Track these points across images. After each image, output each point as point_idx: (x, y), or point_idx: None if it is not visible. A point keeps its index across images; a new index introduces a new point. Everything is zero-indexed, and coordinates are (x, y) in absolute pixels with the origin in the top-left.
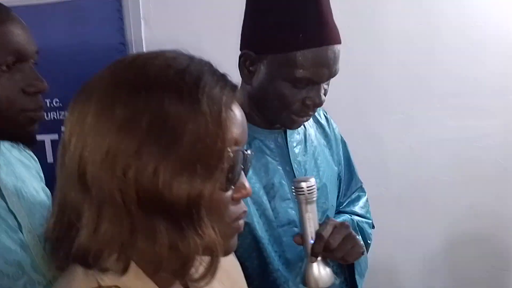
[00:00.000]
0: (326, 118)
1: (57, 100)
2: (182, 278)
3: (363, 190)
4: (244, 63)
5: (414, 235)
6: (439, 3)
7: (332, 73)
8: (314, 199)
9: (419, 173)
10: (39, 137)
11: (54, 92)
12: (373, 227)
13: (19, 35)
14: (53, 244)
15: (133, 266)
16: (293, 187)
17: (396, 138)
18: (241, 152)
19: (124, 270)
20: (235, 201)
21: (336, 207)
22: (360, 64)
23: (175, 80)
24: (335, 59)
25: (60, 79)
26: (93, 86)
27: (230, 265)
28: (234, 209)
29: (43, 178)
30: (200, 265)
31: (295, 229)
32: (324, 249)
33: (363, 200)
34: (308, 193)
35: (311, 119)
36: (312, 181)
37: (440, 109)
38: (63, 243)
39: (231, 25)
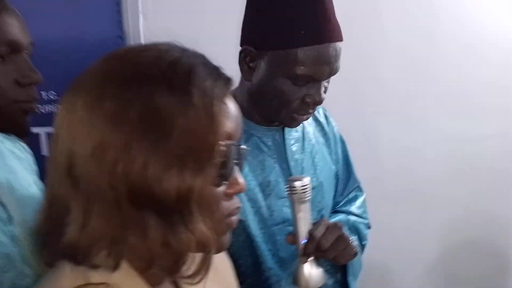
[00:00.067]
0: (325, 116)
1: (53, 93)
2: (174, 275)
3: (360, 190)
4: (244, 59)
5: (409, 234)
6: (438, 2)
7: (333, 71)
8: (308, 198)
9: (415, 173)
10: (34, 130)
11: (50, 85)
12: (369, 227)
13: (14, 25)
14: (42, 239)
15: (124, 263)
16: (286, 186)
17: (393, 137)
18: (234, 147)
19: (115, 267)
20: (228, 196)
21: (333, 206)
22: (357, 63)
23: (166, 72)
24: (336, 57)
25: (57, 72)
26: (84, 80)
27: (219, 262)
28: (227, 205)
29: (37, 171)
30: (192, 262)
31: (290, 227)
32: (316, 249)
33: (360, 200)
34: (301, 193)
35: None
36: (306, 180)
37: (437, 108)
38: (52, 239)
39: (230, 19)
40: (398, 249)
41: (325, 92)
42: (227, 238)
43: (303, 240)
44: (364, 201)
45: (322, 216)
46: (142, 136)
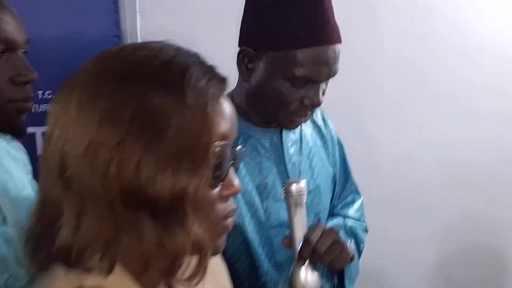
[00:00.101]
0: (323, 118)
1: (50, 92)
2: (170, 278)
3: (358, 193)
4: (243, 60)
5: (405, 238)
6: (436, 5)
7: (331, 73)
8: (304, 202)
9: (411, 176)
10: (30, 130)
11: (47, 84)
12: (366, 231)
13: (9, 23)
14: (34, 242)
15: (118, 265)
16: (283, 189)
17: (389, 140)
18: (229, 147)
19: (110, 270)
20: (224, 198)
21: (330, 209)
22: (354, 65)
23: (160, 71)
24: (335, 58)
25: (54, 71)
26: (77, 79)
27: (214, 264)
28: (222, 206)
29: (32, 171)
30: (187, 266)
31: (287, 231)
32: (312, 254)
33: (358, 203)
34: (298, 196)
35: None
36: (302, 183)
37: (433, 112)
38: (44, 241)
39: (228, 19)
40: (394, 253)
41: (323, 94)
42: (222, 240)
43: (299, 244)
44: (361, 204)
45: (319, 219)
46: (135, 136)
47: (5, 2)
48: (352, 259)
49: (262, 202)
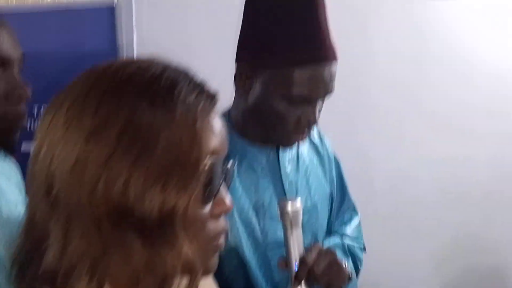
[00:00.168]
0: (320, 135)
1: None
2: None
3: (355, 211)
4: (240, 78)
5: (401, 255)
6: (429, 24)
7: (328, 90)
8: (300, 222)
9: (407, 193)
10: (26, 146)
11: (44, 98)
12: (364, 249)
13: (4, 40)
14: (21, 264)
15: (106, 287)
16: (278, 209)
17: (384, 158)
18: (220, 164)
19: None
20: (215, 216)
21: (328, 227)
22: (350, 84)
23: (149, 86)
24: (331, 76)
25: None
26: (65, 95)
27: (205, 285)
28: (214, 225)
29: (25, 189)
30: (177, 287)
31: (284, 250)
32: (308, 275)
33: (355, 221)
34: (293, 216)
35: None
36: (298, 203)
37: (428, 130)
38: (30, 264)
39: (224, 35)
40: (390, 272)
41: (319, 112)
42: (214, 260)
43: (295, 266)
44: (359, 223)
45: (316, 238)
46: (123, 153)
47: (1, 19)
48: (349, 279)
49: (259, 221)
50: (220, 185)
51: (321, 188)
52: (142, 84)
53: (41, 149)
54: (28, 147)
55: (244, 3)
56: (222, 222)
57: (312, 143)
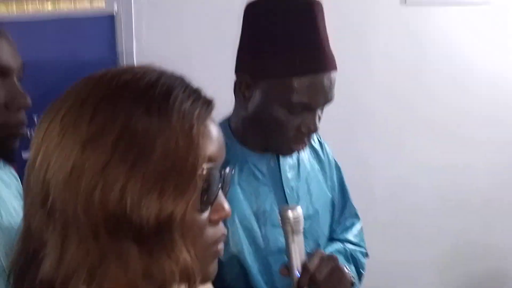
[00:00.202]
0: (320, 142)
1: None
2: None
3: (357, 217)
4: (240, 87)
5: (401, 262)
6: (427, 32)
7: (328, 99)
8: (301, 229)
9: (406, 201)
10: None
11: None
12: (367, 255)
13: (4, 50)
14: (18, 274)
15: None
16: (279, 217)
17: (384, 165)
18: (217, 170)
19: None
20: (213, 223)
21: (329, 234)
22: (349, 91)
23: (144, 93)
24: (331, 85)
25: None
26: (60, 103)
27: None
28: (212, 231)
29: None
30: None
31: (286, 257)
32: (310, 282)
33: (357, 227)
34: (294, 223)
35: None
36: (299, 211)
37: (427, 137)
38: (28, 274)
39: (223, 44)
40: (390, 279)
41: (319, 120)
42: (213, 267)
43: (296, 273)
44: (361, 229)
45: (318, 245)
46: (119, 160)
47: (0, 28)
48: (352, 285)
49: (260, 228)
50: (218, 191)
51: (323, 194)
52: (138, 91)
53: (36, 157)
54: (28, 155)
55: (243, 11)
56: (220, 228)
57: (313, 149)
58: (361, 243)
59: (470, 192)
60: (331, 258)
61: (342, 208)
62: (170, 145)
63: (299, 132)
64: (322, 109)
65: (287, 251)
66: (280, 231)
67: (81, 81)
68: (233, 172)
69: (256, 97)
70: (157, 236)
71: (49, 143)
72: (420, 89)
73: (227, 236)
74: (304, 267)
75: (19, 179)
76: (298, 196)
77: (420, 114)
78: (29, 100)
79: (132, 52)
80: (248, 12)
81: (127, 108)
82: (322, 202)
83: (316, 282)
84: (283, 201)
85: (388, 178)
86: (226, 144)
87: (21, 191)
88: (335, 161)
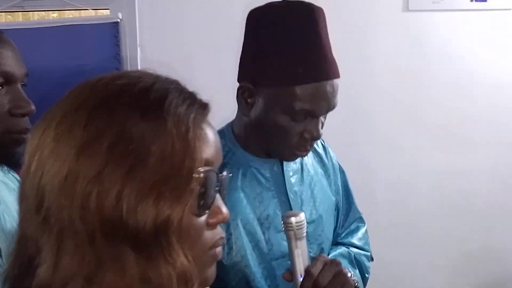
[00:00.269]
0: (324, 146)
1: None
2: None
3: (362, 221)
4: (242, 95)
5: (403, 267)
6: (429, 38)
7: (331, 107)
8: (304, 235)
9: (407, 204)
10: None
11: None
12: (372, 259)
13: (9, 57)
14: (12, 281)
15: None
16: (282, 222)
17: (385, 168)
18: (214, 173)
19: None
20: (211, 226)
21: (334, 237)
22: (351, 95)
23: (139, 98)
24: (333, 93)
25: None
26: (55, 110)
27: None
28: (210, 235)
29: None
30: None
31: (289, 262)
32: (313, 287)
33: (362, 231)
34: (297, 229)
35: None
36: (302, 216)
37: (429, 140)
38: (23, 281)
39: (226, 50)
40: (391, 282)
41: (322, 127)
42: (211, 271)
43: (300, 278)
44: (366, 232)
45: (322, 250)
46: (115, 166)
47: (5, 37)
48: None
49: (263, 233)
50: (215, 195)
51: (326, 198)
52: (133, 96)
53: (31, 163)
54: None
55: (246, 18)
56: (218, 231)
57: (316, 153)
58: (366, 247)
59: (472, 195)
60: (334, 263)
61: (346, 212)
62: (166, 149)
63: (302, 139)
64: (325, 116)
65: (290, 256)
66: (284, 235)
67: (75, 87)
68: (233, 175)
69: (259, 104)
70: (154, 241)
71: (44, 150)
72: (422, 93)
73: (231, 241)
74: (307, 272)
75: None
76: (301, 200)
77: (421, 118)
78: (33, 107)
79: (136, 58)
80: (251, 19)
81: (122, 113)
82: (326, 206)
83: (319, 287)
84: (287, 206)
85: (390, 181)
86: (230, 149)
87: None
88: (339, 165)
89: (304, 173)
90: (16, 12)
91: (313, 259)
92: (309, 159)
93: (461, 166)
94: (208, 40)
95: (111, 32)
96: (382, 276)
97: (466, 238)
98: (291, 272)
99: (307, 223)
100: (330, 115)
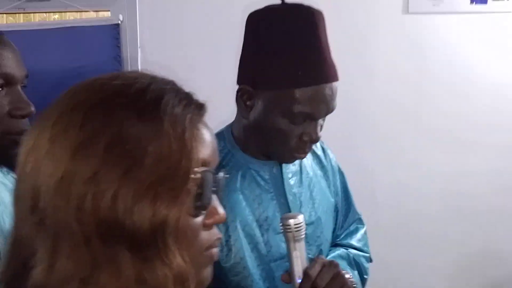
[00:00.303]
0: (323, 148)
1: None
2: None
3: (361, 222)
4: (242, 97)
5: (403, 270)
6: (428, 39)
7: (330, 109)
8: (302, 237)
9: (407, 205)
10: None
11: None
12: (371, 260)
13: (9, 59)
14: (7, 283)
15: None
16: (280, 224)
17: (385, 170)
18: (210, 174)
19: None
20: (208, 227)
21: (333, 239)
22: (351, 98)
23: (135, 99)
24: (332, 96)
25: None
26: (51, 110)
27: None
28: (206, 236)
29: None
30: None
31: (288, 264)
32: None
33: (361, 232)
34: (296, 231)
35: None
36: (300, 218)
37: (429, 143)
38: (18, 283)
39: (226, 52)
40: (391, 284)
41: (321, 129)
42: (208, 272)
43: (298, 280)
44: (365, 234)
45: (321, 251)
46: (111, 166)
47: (6, 38)
48: None
49: (262, 235)
50: (212, 195)
51: (325, 200)
52: (129, 97)
53: (26, 166)
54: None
55: (245, 21)
56: (215, 232)
57: (315, 155)
58: (365, 248)
59: (472, 197)
60: (333, 265)
61: (345, 214)
62: (163, 149)
63: (300, 141)
64: (324, 118)
65: (288, 258)
66: (282, 237)
67: (71, 88)
68: (232, 177)
69: (258, 106)
70: (150, 242)
71: (39, 151)
72: (422, 95)
73: (229, 243)
74: (306, 274)
75: None
76: (300, 202)
77: (421, 120)
78: (33, 108)
79: (137, 60)
80: (250, 22)
81: (118, 114)
82: (325, 208)
83: None
84: (286, 208)
85: (390, 183)
86: (229, 151)
87: None
88: (338, 166)
89: (303, 175)
90: (17, 14)
91: (311, 261)
92: (308, 160)
93: (460, 168)
94: (209, 41)
95: (112, 34)
96: (381, 277)
97: (466, 239)
98: (289, 273)
99: (306, 224)
100: (330, 117)
